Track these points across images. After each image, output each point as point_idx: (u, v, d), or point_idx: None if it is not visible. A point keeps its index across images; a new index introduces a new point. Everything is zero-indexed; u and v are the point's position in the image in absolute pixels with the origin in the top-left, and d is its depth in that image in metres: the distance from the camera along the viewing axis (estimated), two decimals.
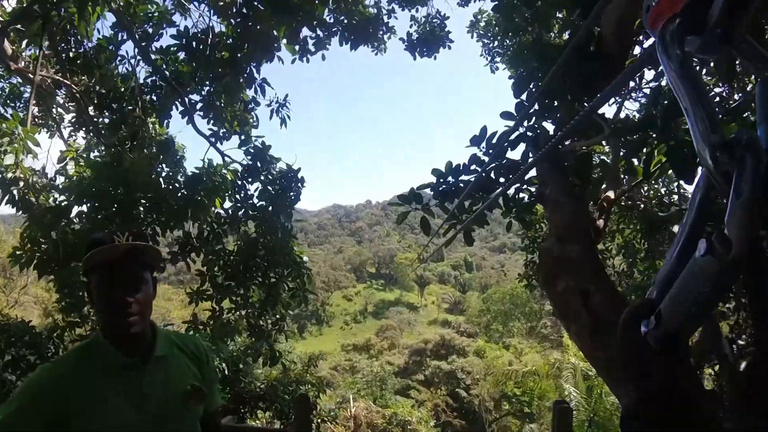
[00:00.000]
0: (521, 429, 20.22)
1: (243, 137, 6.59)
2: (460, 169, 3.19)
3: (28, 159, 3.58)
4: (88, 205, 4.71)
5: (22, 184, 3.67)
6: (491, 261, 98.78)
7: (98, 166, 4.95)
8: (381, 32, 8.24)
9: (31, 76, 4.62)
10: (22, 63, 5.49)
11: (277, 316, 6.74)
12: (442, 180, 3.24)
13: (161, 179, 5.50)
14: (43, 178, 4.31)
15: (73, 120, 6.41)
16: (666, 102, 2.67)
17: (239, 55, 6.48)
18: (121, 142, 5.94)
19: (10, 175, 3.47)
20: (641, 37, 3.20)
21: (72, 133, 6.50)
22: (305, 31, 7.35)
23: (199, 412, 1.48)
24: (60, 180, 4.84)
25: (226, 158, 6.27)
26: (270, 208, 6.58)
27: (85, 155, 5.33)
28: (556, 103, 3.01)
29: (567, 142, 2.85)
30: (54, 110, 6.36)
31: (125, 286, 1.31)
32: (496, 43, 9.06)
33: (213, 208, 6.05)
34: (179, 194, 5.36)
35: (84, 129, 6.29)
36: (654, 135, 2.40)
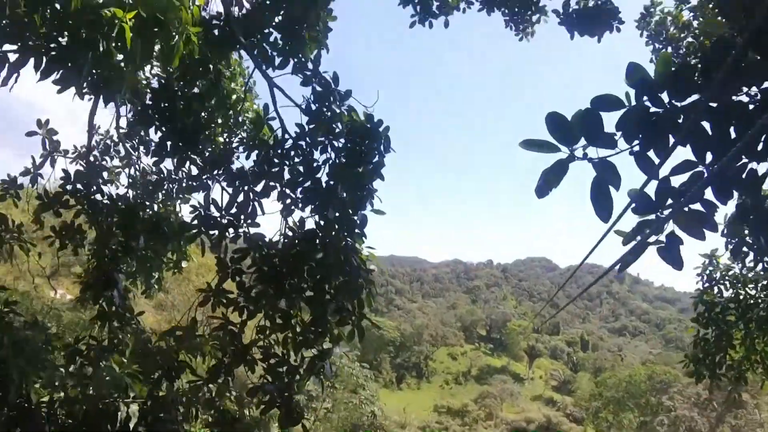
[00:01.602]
0: None
1: (303, 59, 4.22)
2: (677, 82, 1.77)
3: None
4: None
5: None
6: (609, 343, 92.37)
7: None
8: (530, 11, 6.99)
9: None
10: None
11: (314, 352, 4.23)
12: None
13: None
14: None
15: None
16: None
17: None
18: None
19: None
20: None
21: None
22: None
23: None
24: None
25: (276, 89, 4.05)
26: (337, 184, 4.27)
27: None
28: None
29: None
30: None
31: None
32: (669, 49, 7.17)
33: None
34: None
35: None
36: None
